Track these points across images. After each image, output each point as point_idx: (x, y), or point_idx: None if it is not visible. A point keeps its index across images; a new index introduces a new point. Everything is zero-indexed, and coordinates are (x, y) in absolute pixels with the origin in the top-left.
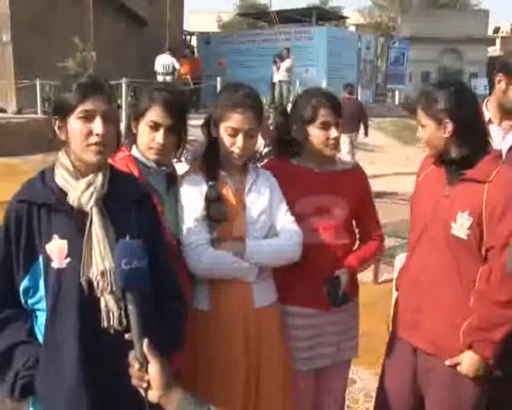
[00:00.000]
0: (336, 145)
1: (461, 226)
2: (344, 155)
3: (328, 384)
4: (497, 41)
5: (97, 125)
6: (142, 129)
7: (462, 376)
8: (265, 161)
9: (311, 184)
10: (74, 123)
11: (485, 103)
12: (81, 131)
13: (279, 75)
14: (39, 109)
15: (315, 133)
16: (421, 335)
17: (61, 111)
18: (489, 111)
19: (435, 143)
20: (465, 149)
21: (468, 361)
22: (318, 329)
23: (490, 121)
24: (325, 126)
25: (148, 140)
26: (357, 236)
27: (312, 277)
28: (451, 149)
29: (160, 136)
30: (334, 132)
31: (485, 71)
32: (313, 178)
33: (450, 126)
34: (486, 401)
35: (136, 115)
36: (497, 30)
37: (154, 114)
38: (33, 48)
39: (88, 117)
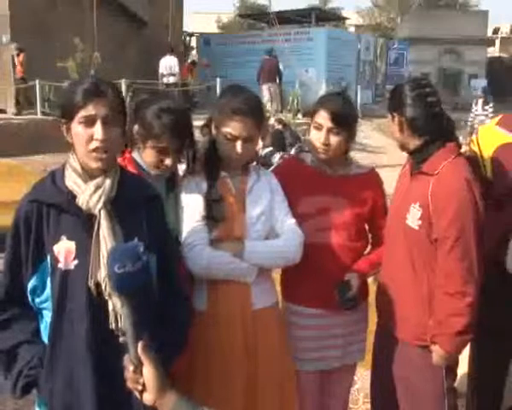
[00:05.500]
0: (328, 150)
1: (413, 217)
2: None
3: (333, 387)
4: (497, 42)
5: (97, 131)
6: (150, 151)
7: (409, 356)
8: (277, 161)
9: (319, 185)
10: (76, 128)
11: None
12: (82, 137)
13: None
14: (39, 110)
15: (311, 134)
16: (389, 321)
17: (66, 115)
18: None
19: (394, 136)
20: (417, 140)
21: (436, 356)
22: (324, 330)
23: None
24: (320, 127)
25: (155, 162)
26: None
27: (319, 277)
28: (407, 141)
29: (169, 160)
30: (321, 137)
31: (484, 72)
32: (323, 179)
33: (396, 120)
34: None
35: (142, 138)
36: (496, 31)
37: (164, 140)
38: (33, 49)
39: (88, 122)
